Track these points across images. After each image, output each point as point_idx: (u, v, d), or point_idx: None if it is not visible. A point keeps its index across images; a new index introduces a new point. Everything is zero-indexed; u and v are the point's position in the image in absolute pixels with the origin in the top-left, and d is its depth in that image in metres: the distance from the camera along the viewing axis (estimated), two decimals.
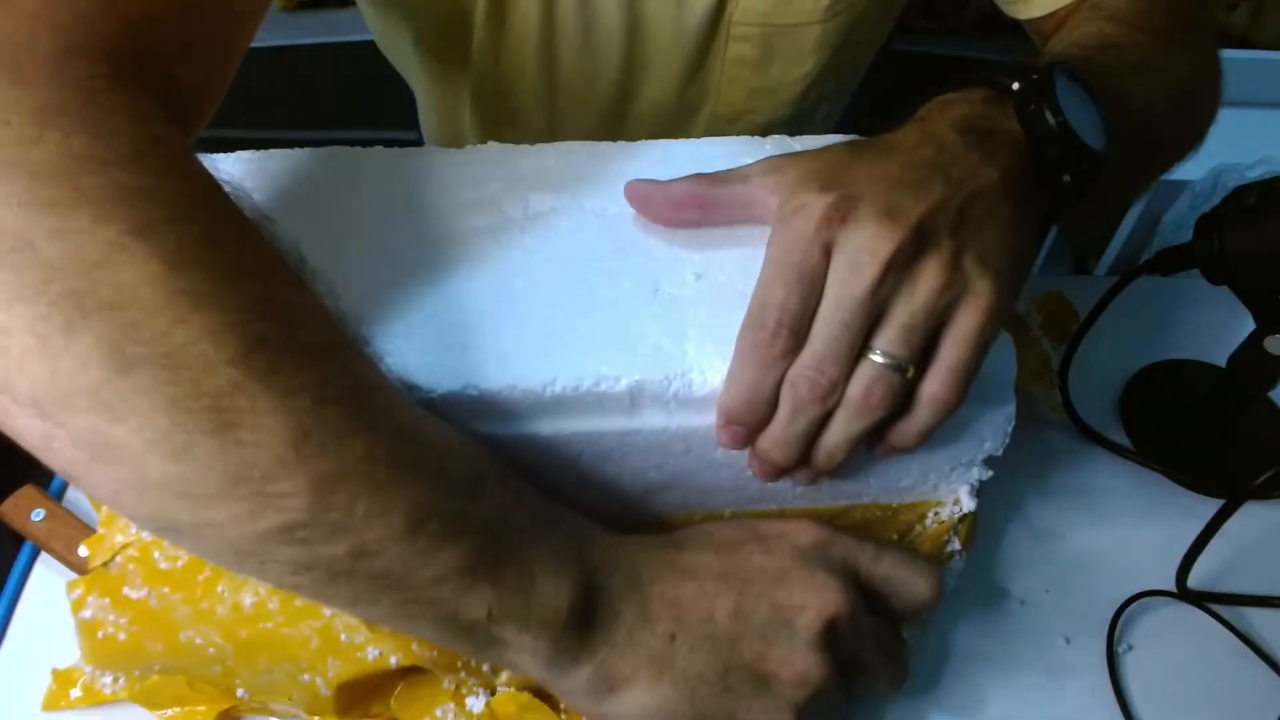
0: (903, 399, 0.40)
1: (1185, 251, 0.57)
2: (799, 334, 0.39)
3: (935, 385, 0.40)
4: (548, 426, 0.44)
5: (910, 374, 0.39)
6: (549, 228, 0.48)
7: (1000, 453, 0.47)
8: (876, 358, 0.39)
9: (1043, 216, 0.45)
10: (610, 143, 0.52)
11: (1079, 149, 0.43)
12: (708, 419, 0.44)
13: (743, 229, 0.48)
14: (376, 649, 0.42)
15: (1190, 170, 1.11)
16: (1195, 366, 0.66)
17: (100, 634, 0.44)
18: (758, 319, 0.39)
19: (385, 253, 0.47)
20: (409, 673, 0.46)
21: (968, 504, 0.49)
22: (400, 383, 0.41)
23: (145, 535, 0.44)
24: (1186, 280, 0.64)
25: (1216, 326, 0.66)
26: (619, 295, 0.45)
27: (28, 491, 0.52)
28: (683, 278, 0.46)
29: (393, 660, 0.42)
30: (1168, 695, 0.51)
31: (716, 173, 0.46)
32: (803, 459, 0.41)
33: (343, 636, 0.42)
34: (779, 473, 0.42)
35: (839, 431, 0.40)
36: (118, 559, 0.44)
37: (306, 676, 0.43)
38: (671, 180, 0.46)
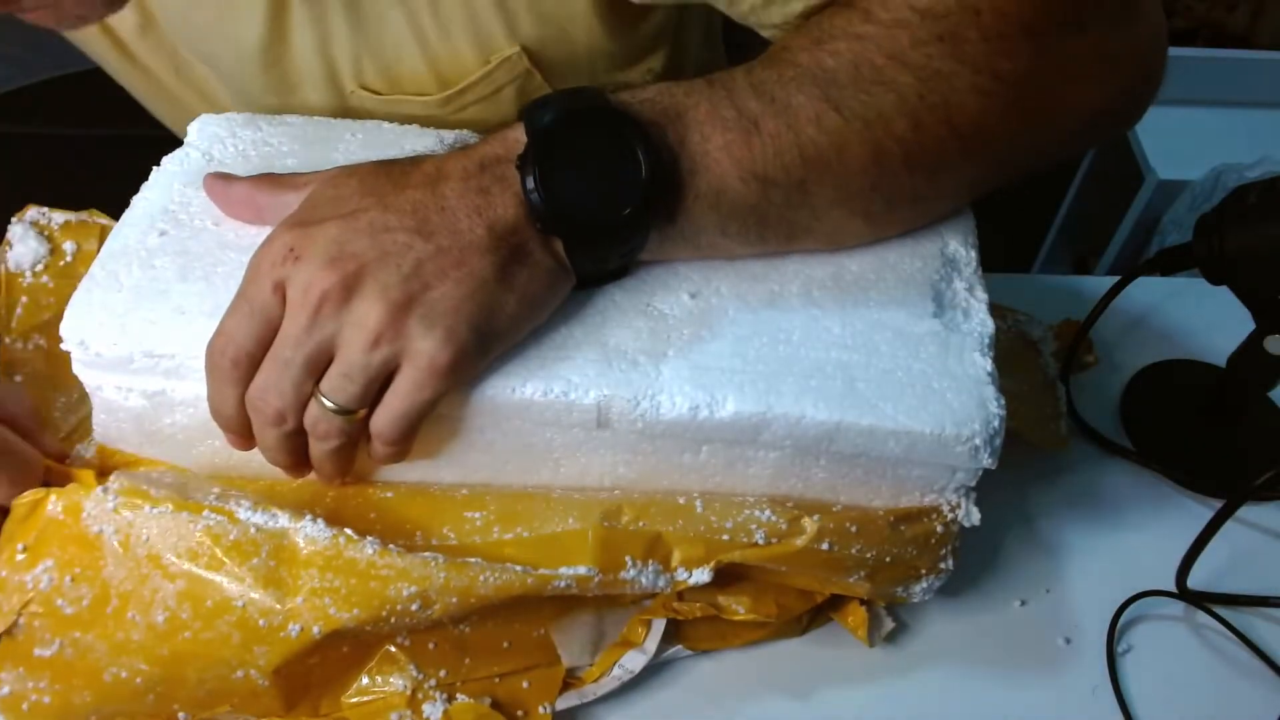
0: (359, 432, 0.42)
1: (1185, 251, 0.56)
2: (249, 363, 0.41)
3: (378, 426, 0.42)
4: (518, 421, 0.44)
5: (359, 414, 0.41)
6: None
7: (974, 483, 0.47)
8: (322, 399, 0.41)
9: (591, 261, 0.44)
10: None
11: (565, 217, 0.41)
12: (675, 433, 0.44)
13: None
14: (297, 625, 0.42)
15: (1190, 170, 1.12)
16: (1195, 366, 0.65)
17: (25, 705, 0.43)
18: (215, 344, 0.41)
19: None
20: (358, 662, 0.45)
21: (974, 517, 0.48)
22: None
23: (42, 586, 0.42)
24: (1186, 280, 0.64)
25: (1216, 326, 0.66)
26: (608, 305, 0.46)
27: None
28: (677, 295, 0.46)
29: (315, 630, 0.42)
30: (1168, 695, 0.51)
31: (283, 176, 0.46)
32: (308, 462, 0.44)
33: (260, 622, 0.42)
34: (295, 471, 0.44)
35: (313, 449, 0.43)
36: (20, 620, 0.43)
37: (239, 673, 0.43)
38: (241, 178, 0.47)
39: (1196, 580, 0.53)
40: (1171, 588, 0.54)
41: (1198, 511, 0.57)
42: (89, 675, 0.43)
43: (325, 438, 0.42)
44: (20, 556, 0.43)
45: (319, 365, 0.41)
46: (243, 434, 0.43)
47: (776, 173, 0.43)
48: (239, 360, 0.41)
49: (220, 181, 0.47)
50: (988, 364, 0.46)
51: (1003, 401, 0.45)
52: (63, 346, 0.44)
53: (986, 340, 0.47)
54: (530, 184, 0.41)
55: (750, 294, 0.47)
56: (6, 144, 1.32)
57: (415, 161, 0.43)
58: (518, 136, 0.42)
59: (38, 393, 0.51)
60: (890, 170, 0.44)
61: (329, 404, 0.41)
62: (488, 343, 0.42)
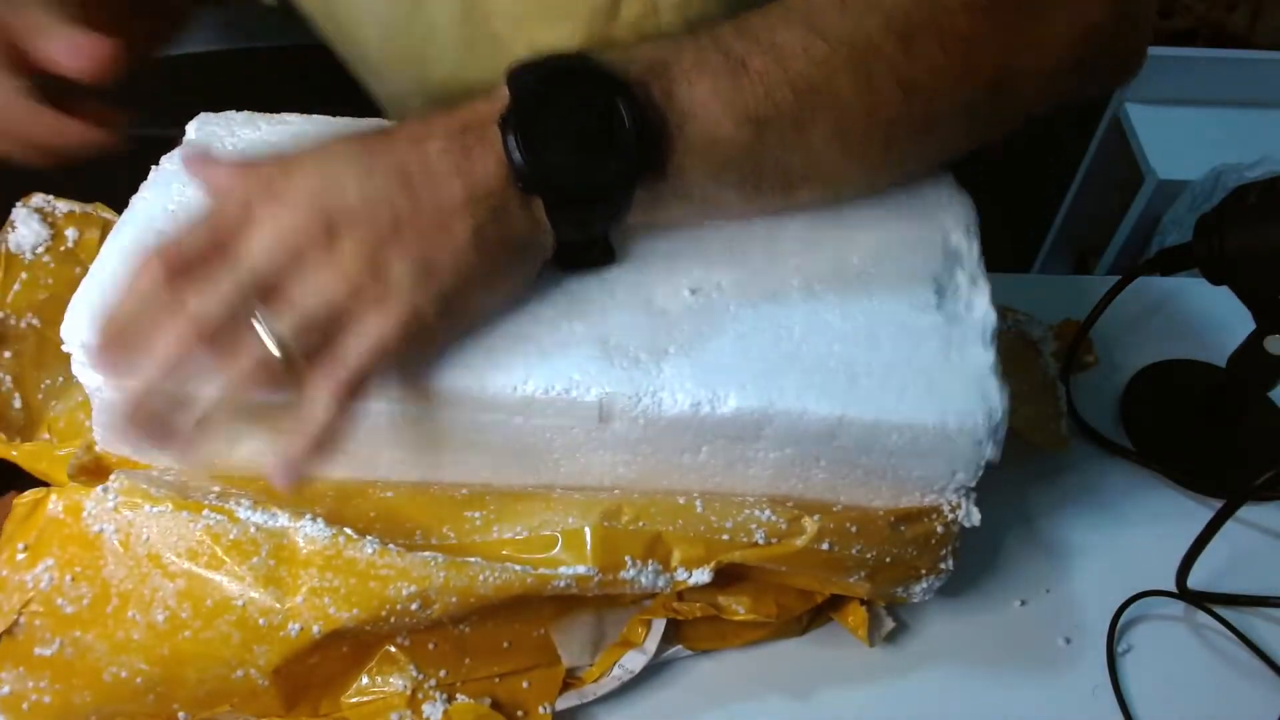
0: (284, 384, 0.39)
1: (1185, 251, 0.56)
2: (184, 268, 0.38)
3: (319, 374, 0.39)
4: (519, 419, 0.44)
5: (289, 362, 0.38)
6: None
7: (974, 483, 0.47)
8: (262, 331, 0.38)
9: (573, 226, 0.43)
10: None
11: (547, 177, 0.41)
12: (675, 431, 0.44)
13: (750, 247, 0.48)
14: (296, 624, 0.42)
15: (1190, 170, 1.12)
16: (1195, 366, 0.65)
17: (25, 705, 0.43)
18: (158, 246, 0.38)
19: None
20: (358, 662, 0.45)
21: (974, 517, 0.48)
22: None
23: (43, 585, 0.43)
24: (1186, 280, 0.64)
25: (1216, 326, 0.66)
26: (609, 302, 0.46)
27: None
28: (677, 292, 0.46)
29: (314, 630, 0.42)
30: (1168, 695, 0.51)
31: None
32: (169, 424, 0.40)
33: (260, 621, 0.42)
34: (148, 429, 0.40)
35: (210, 390, 0.39)
36: (20, 620, 0.43)
37: (239, 673, 0.43)
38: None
39: (1196, 580, 0.53)
40: (1171, 588, 0.54)
41: (1198, 511, 0.57)
42: (89, 675, 0.42)
43: (244, 377, 0.38)
44: (21, 556, 0.43)
45: (265, 292, 0.38)
46: (127, 342, 0.39)
47: (768, 111, 0.43)
48: (177, 260, 0.38)
49: (203, 159, 0.44)
50: (990, 356, 0.45)
51: (1006, 392, 0.45)
52: (64, 349, 0.44)
53: (989, 332, 0.46)
54: (512, 143, 0.40)
55: (751, 289, 0.47)
56: None
57: (401, 123, 0.43)
58: (501, 96, 0.42)
59: (23, 372, 0.52)
60: (883, 97, 0.44)
61: (270, 338, 0.38)
62: (454, 308, 0.41)
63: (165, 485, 0.44)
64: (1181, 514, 0.57)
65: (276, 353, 0.38)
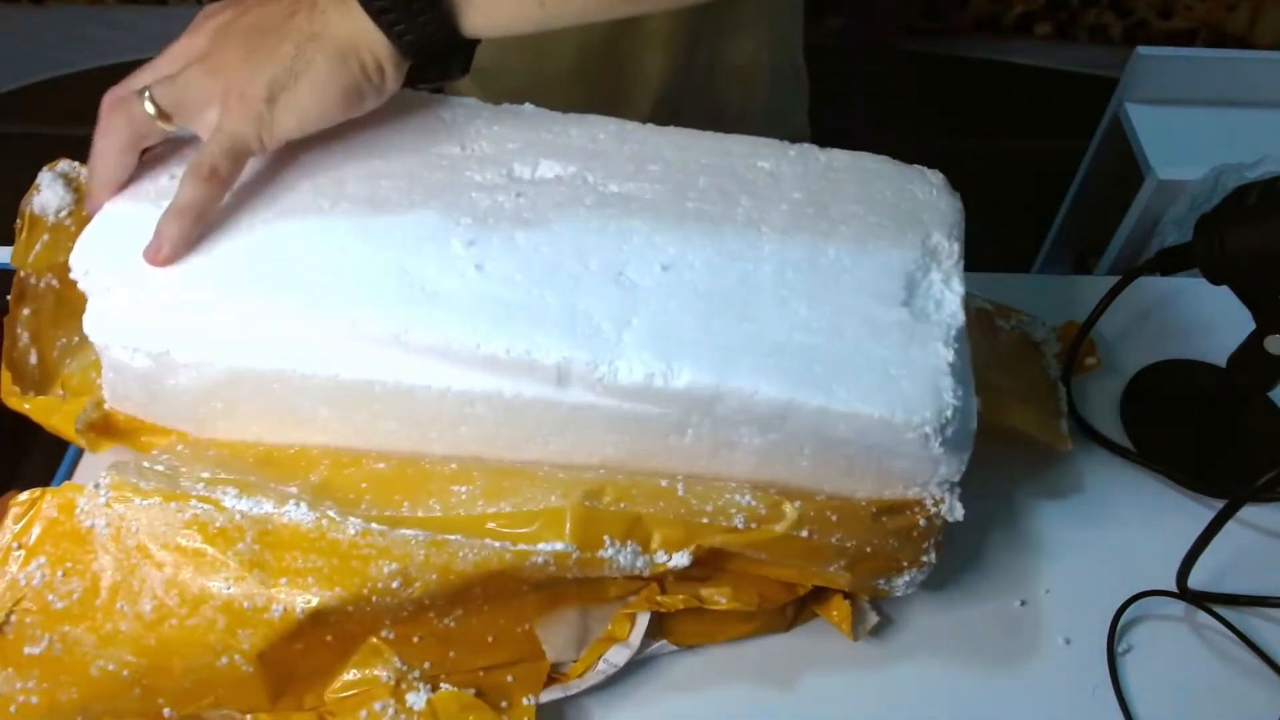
0: (138, 137, 0.48)
1: (1185, 251, 0.56)
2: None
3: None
4: (504, 385, 0.45)
5: (161, 123, 0.47)
6: (545, 195, 0.49)
7: (959, 479, 0.47)
8: (145, 98, 0.47)
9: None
10: (636, 124, 0.53)
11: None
12: (644, 405, 0.45)
13: (730, 231, 0.49)
14: (280, 606, 0.42)
15: (1190, 170, 1.12)
16: (1195, 366, 0.65)
17: (13, 708, 0.43)
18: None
19: (380, 194, 0.48)
20: (343, 655, 0.45)
21: (957, 512, 0.48)
22: (350, 324, 0.45)
23: (35, 582, 0.43)
24: (1186, 280, 0.64)
25: (1216, 326, 0.66)
26: (582, 271, 0.46)
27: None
28: (650, 266, 0.47)
29: (298, 610, 0.42)
30: (1168, 695, 0.51)
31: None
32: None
33: (245, 604, 0.42)
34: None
35: (108, 140, 0.48)
36: (11, 618, 0.43)
37: (224, 660, 0.43)
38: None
39: (1197, 580, 0.53)
40: (1172, 588, 0.54)
41: (1198, 511, 0.57)
42: (76, 671, 0.43)
43: (113, 128, 0.47)
44: (17, 554, 0.43)
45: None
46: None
47: None
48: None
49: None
50: (950, 355, 0.46)
51: (962, 393, 0.45)
52: (71, 275, 0.46)
53: (954, 332, 0.47)
54: None
55: (724, 271, 0.47)
56: (6, 144, 1.32)
57: None
58: None
59: (41, 329, 0.53)
60: None
61: (149, 95, 0.46)
62: (281, 97, 0.45)
63: (155, 477, 0.45)
64: (1182, 514, 0.57)
65: (149, 108, 0.47)
